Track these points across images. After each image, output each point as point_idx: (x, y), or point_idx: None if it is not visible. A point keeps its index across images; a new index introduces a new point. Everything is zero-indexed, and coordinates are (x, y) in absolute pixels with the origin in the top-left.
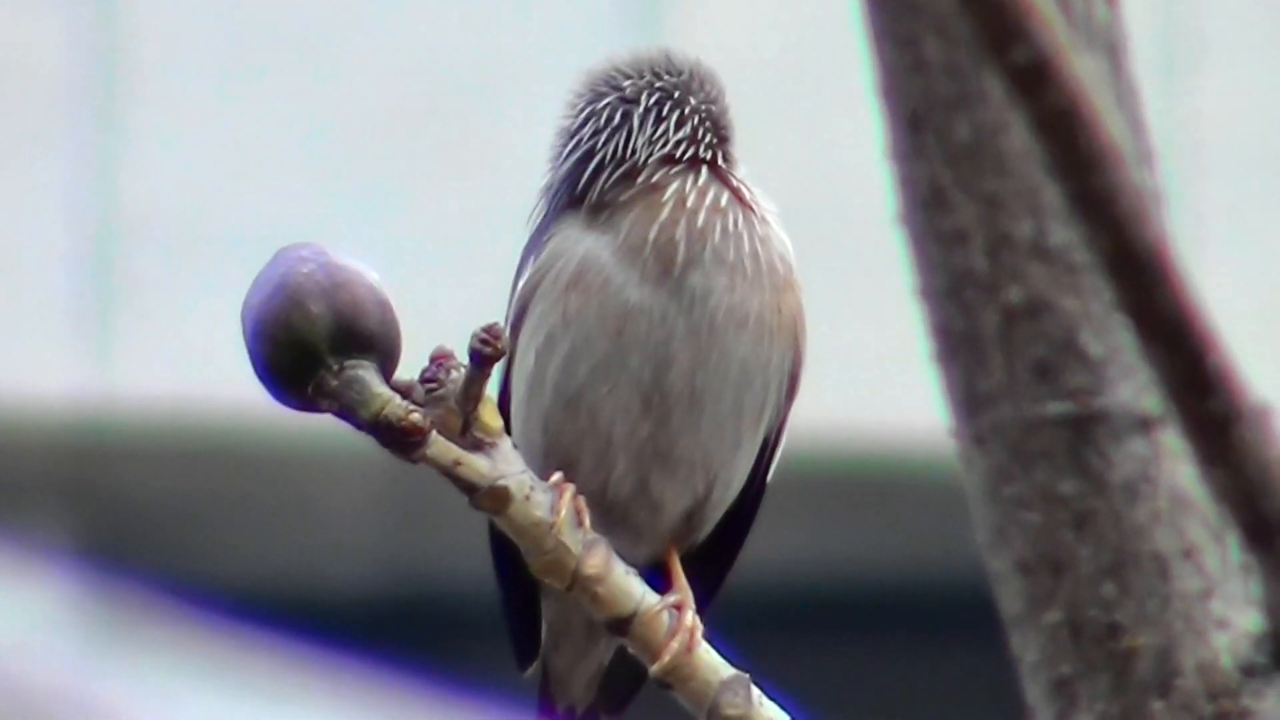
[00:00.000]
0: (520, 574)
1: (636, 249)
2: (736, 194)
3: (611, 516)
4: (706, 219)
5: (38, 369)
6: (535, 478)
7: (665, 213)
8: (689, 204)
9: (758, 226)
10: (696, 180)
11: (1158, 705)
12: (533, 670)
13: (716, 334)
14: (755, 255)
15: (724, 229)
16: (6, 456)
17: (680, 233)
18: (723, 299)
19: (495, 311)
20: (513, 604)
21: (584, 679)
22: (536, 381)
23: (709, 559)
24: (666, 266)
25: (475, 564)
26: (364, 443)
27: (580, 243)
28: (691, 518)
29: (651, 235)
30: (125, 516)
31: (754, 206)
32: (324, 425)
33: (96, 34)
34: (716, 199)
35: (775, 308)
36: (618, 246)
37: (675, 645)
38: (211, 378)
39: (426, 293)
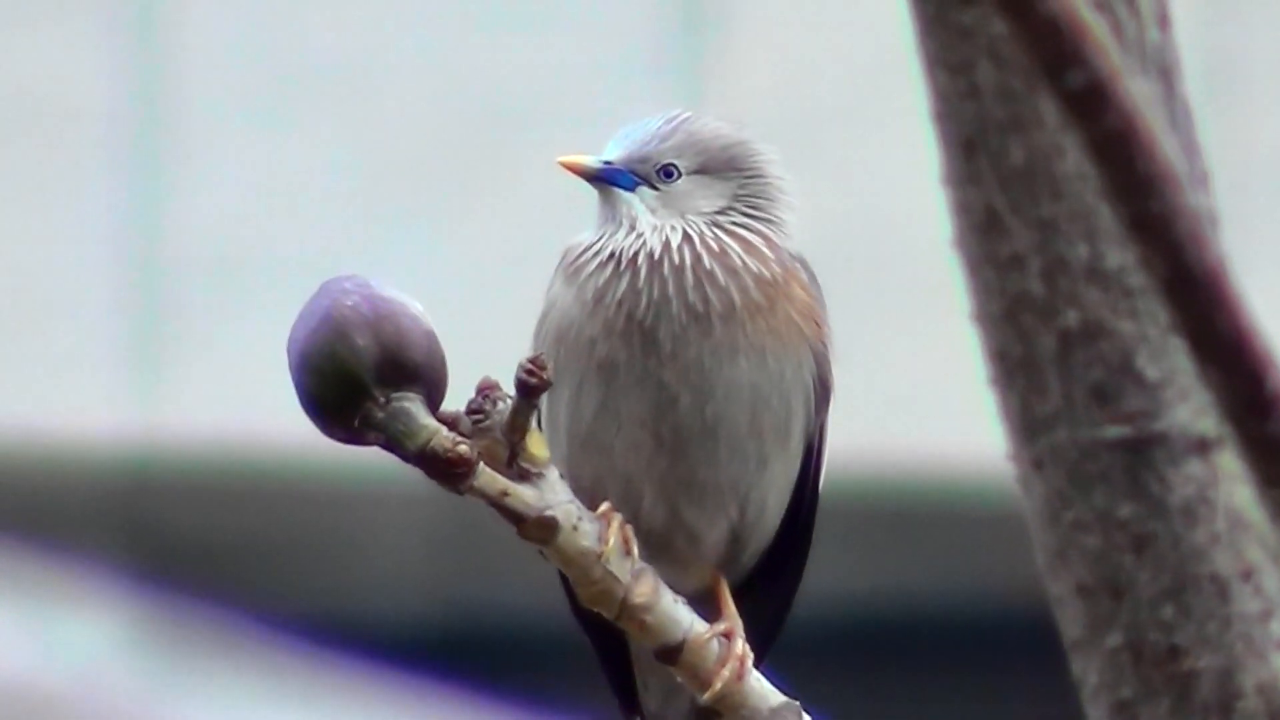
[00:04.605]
0: (604, 622)
1: (600, 305)
2: (702, 239)
3: (652, 548)
4: (673, 272)
5: (86, 405)
6: (582, 507)
7: (627, 270)
8: (654, 260)
9: (732, 258)
10: (662, 238)
11: None
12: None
13: (709, 373)
14: (726, 292)
15: (694, 279)
16: (58, 490)
17: (642, 288)
18: (703, 345)
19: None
20: (604, 652)
21: (678, 717)
22: (552, 424)
23: (774, 577)
24: (629, 321)
25: (523, 595)
26: (411, 474)
27: (560, 297)
28: (734, 541)
29: (612, 291)
30: (176, 549)
31: (725, 247)
32: (371, 457)
33: (139, 71)
34: (682, 250)
35: (766, 328)
36: (586, 302)
37: (725, 673)
38: (257, 410)
39: (468, 324)
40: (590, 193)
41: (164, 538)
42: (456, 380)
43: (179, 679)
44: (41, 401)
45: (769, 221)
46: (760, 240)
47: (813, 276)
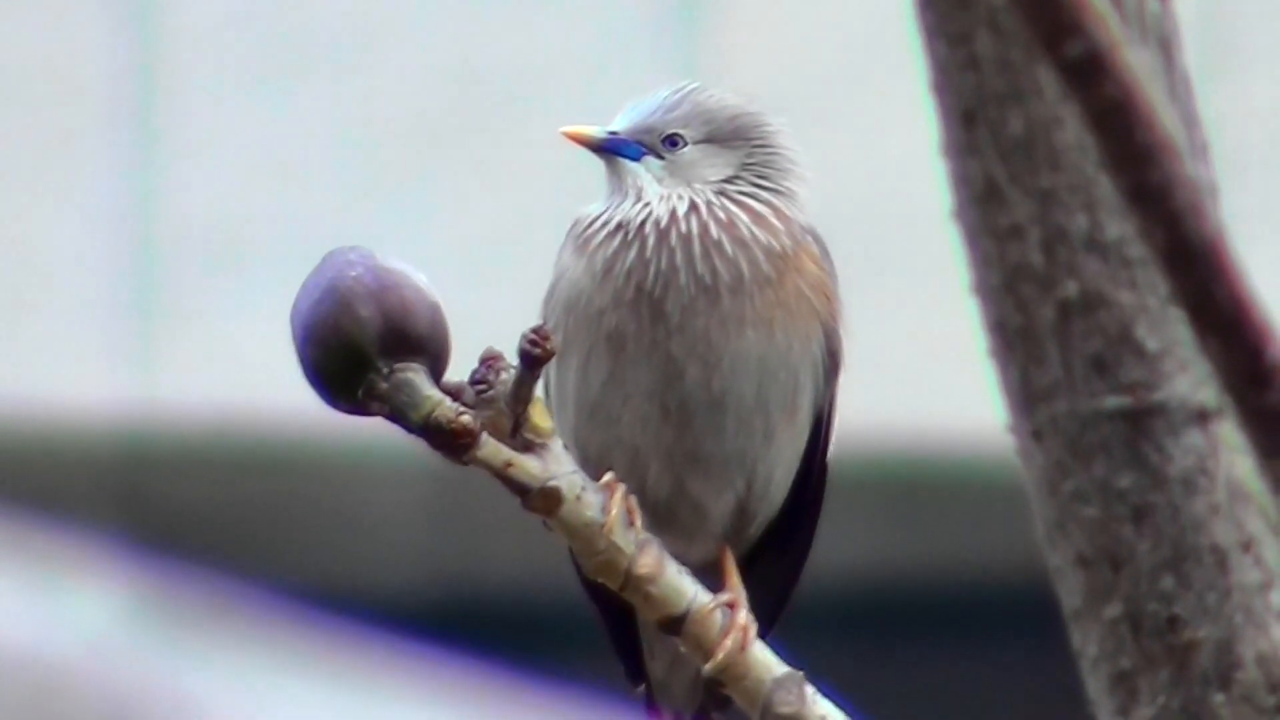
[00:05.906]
0: (610, 590)
1: (609, 275)
2: (709, 208)
3: (658, 519)
4: (680, 242)
5: (85, 378)
6: (586, 478)
7: (635, 241)
8: (661, 230)
9: (740, 229)
10: (669, 207)
11: (1218, 698)
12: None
13: (716, 345)
14: (734, 263)
15: (701, 249)
16: (59, 463)
17: (650, 258)
18: (710, 317)
19: (537, 314)
20: (611, 619)
21: (684, 683)
22: (560, 395)
23: (782, 548)
24: (638, 292)
25: (524, 566)
26: (411, 446)
27: (569, 268)
28: (740, 513)
29: (620, 262)
30: (176, 521)
31: (733, 217)
32: (371, 428)
33: (136, 47)
34: (689, 219)
35: (775, 300)
36: (595, 273)
37: (729, 644)
38: (255, 382)
39: (470, 295)
40: (592, 164)
41: (164, 510)
42: (460, 352)
43: (180, 650)
44: (41, 374)
45: (779, 193)
46: (770, 211)
47: (825, 250)
